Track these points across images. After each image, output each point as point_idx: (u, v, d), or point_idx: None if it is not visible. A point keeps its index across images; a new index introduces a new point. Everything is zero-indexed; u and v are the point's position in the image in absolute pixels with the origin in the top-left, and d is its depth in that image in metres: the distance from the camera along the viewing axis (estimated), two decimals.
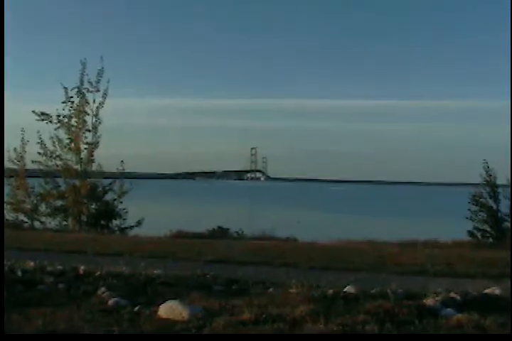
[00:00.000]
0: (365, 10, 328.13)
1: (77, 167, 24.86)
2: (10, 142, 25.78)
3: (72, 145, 24.73)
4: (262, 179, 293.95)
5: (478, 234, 23.51)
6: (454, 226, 26.96)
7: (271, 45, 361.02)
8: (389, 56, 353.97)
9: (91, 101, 24.76)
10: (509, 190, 23.89)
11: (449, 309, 6.55)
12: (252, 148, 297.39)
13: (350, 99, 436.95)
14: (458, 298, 7.09)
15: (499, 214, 23.64)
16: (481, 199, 24.19)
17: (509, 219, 23.34)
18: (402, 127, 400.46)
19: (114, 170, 25.56)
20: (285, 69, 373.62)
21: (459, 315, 6.24)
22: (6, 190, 25.52)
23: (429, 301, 6.79)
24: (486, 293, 7.50)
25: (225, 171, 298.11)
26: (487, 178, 24.25)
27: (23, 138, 25.15)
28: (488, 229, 23.59)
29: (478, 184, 24.94)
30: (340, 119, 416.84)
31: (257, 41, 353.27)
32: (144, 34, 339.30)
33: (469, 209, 24.07)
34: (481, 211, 23.99)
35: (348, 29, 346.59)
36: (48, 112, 24.74)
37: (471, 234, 23.47)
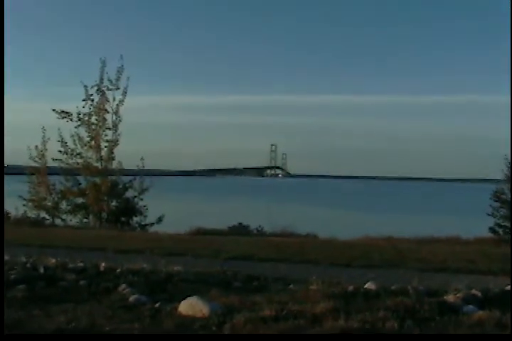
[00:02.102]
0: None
1: (98, 164, 25.07)
2: (30, 140, 26.10)
3: (93, 143, 24.86)
4: (280, 175, 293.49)
5: (500, 231, 23.31)
6: (475, 223, 26.73)
7: (287, 41, 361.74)
8: (397, 51, 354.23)
9: (111, 99, 24.98)
10: None
11: (470, 306, 6.50)
12: (271, 145, 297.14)
13: (372, 95, 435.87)
14: (479, 294, 7.02)
15: None
16: (502, 196, 23.99)
17: None
18: (420, 122, 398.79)
19: (134, 168, 25.71)
20: (300, 66, 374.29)
21: (481, 312, 6.18)
22: (26, 187, 25.80)
23: (451, 298, 6.73)
24: (507, 290, 7.43)
25: (244, 168, 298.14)
26: (508, 174, 24.04)
27: (44, 136, 25.44)
28: (510, 226, 23.40)
29: (497, 180, 24.83)
30: (360, 116, 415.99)
31: (276, 37, 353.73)
32: (159, 31, 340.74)
33: (491, 206, 23.89)
34: (502, 207, 23.81)
35: (351, 22, 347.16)
36: (68, 110, 25.03)
37: (492, 230, 23.28)
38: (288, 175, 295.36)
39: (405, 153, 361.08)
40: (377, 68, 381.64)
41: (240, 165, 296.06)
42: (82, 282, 7.74)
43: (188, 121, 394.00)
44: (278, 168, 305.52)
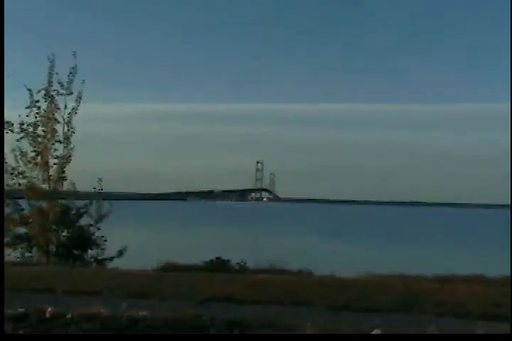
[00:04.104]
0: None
1: (45, 186, 24.89)
2: None
3: (39, 159, 24.65)
4: (266, 199, 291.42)
5: None
6: (502, 258, 26.76)
7: (273, 48, 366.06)
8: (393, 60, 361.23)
9: (62, 106, 24.78)
10: None
11: None
12: (257, 162, 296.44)
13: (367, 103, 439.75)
14: None
15: None
16: None
17: None
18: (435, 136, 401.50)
19: (91, 190, 25.52)
20: (291, 72, 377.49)
21: None
22: None
23: None
24: None
25: (224, 191, 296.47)
26: None
27: None
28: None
29: None
30: (360, 127, 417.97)
31: (260, 44, 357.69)
32: (127, 31, 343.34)
33: None
34: None
35: (343, 31, 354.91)
36: (7, 119, 24.80)
37: None
38: (276, 198, 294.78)
39: (422, 173, 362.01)
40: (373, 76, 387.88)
41: (219, 187, 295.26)
42: (22, 332, 7.62)
43: (155, 134, 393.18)
44: (265, 190, 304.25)
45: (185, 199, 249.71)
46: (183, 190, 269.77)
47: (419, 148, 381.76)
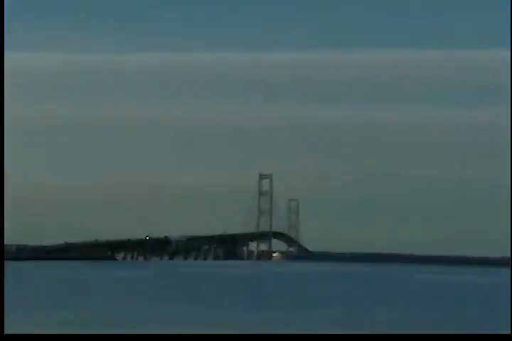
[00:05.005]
0: None
1: None
2: None
3: None
4: (277, 255, 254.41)
5: None
6: None
7: None
8: None
9: None
10: None
11: None
12: (261, 176, 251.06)
13: None
14: None
15: None
16: None
17: None
18: None
19: None
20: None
21: None
22: None
23: None
24: None
25: (191, 239, 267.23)
26: None
27: None
28: None
29: None
30: None
31: None
32: None
33: None
34: None
35: None
36: None
37: None
38: (302, 252, 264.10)
39: None
40: None
41: (182, 232, 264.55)
42: None
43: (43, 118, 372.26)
44: (277, 235, 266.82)
45: (113, 259, 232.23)
46: (111, 237, 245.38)
47: None
